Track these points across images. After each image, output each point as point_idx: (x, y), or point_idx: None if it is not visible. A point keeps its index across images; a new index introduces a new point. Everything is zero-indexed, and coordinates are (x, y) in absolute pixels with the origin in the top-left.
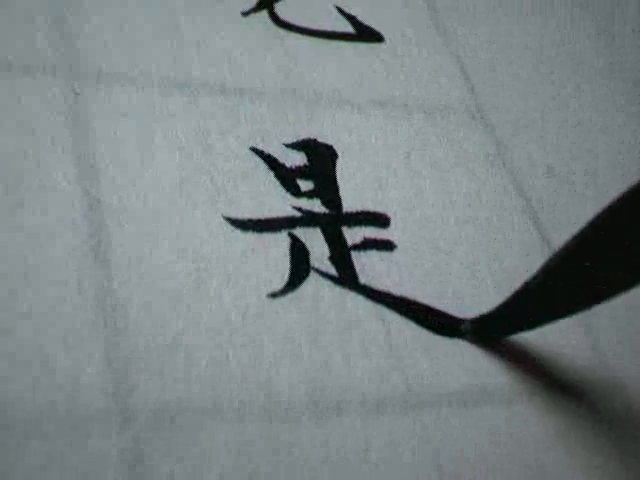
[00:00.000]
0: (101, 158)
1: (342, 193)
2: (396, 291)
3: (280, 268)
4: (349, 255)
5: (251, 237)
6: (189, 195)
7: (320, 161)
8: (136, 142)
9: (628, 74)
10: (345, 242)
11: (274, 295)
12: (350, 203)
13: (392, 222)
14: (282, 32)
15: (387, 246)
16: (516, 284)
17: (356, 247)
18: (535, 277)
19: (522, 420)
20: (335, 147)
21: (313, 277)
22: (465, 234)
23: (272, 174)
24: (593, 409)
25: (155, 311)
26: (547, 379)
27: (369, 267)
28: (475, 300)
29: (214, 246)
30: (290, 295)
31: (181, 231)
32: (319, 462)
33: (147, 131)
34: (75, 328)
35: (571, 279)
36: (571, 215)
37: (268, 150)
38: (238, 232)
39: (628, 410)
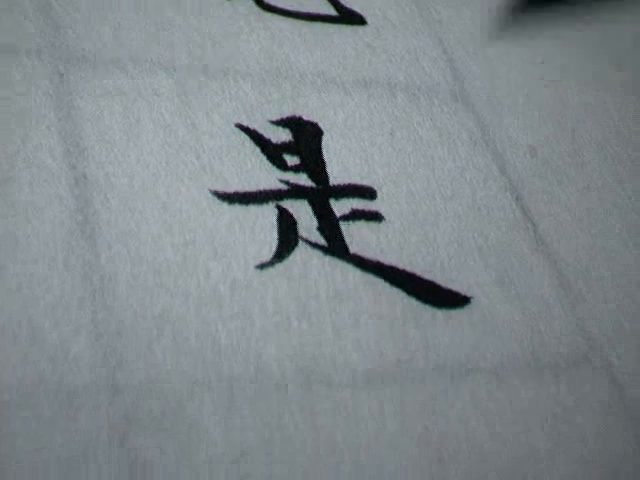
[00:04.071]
0: (87, 136)
1: (329, 168)
2: (385, 261)
3: (268, 239)
4: (338, 226)
5: (238, 210)
6: (175, 171)
7: (305, 137)
8: (121, 121)
9: (613, 54)
10: (333, 213)
11: (262, 266)
12: (337, 177)
13: (379, 195)
14: (266, 15)
15: (375, 217)
16: (500, 258)
17: (344, 218)
18: None
19: (511, 393)
20: (320, 125)
21: (302, 247)
22: (450, 209)
23: (258, 150)
24: (573, 386)
25: (142, 285)
26: (535, 355)
27: (358, 237)
28: (462, 272)
29: (201, 220)
30: (279, 265)
31: (167, 205)
32: (307, 431)
33: (132, 110)
34: (63, 303)
35: None
36: (552, 193)
37: (254, 127)
38: (224, 205)
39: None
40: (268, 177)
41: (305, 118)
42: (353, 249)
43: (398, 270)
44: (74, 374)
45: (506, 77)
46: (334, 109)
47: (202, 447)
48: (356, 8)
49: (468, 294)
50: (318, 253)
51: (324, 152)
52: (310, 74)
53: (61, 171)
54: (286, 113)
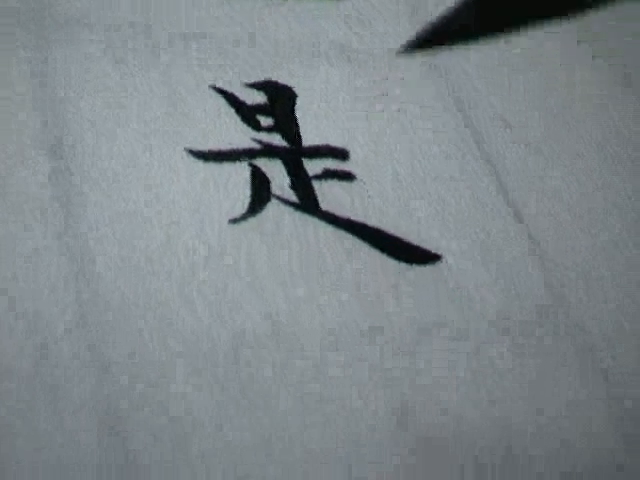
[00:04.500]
0: (67, 102)
1: (302, 130)
2: (356, 218)
3: (241, 196)
4: (310, 184)
5: (212, 167)
6: (151, 130)
7: (280, 100)
8: (101, 87)
9: (593, 30)
10: (306, 172)
11: (235, 220)
12: (310, 138)
13: (352, 156)
14: None
15: (347, 177)
16: (472, 219)
17: (317, 177)
18: None
19: (477, 347)
20: (295, 89)
21: (274, 204)
22: (423, 172)
23: (233, 111)
24: (539, 341)
25: (115, 236)
26: (502, 312)
27: (330, 195)
28: (433, 232)
29: (175, 176)
30: (251, 220)
31: (143, 163)
32: (279, 387)
33: (110, 75)
34: (49, 282)
35: None
36: (526, 164)
37: (229, 89)
38: (199, 163)
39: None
40: (242, 137)
41: (280, 82)
42: (325, 206)
43: (369, 227)
44: (60, 352)
45: (481, 51)
46: (309, 75)
47: (181, 411)
48: None
49: (438, 252)
50: (290, 210)
51: (298, 115)
52: (287, 41)
53: (42, 140)
54: (261, 77)
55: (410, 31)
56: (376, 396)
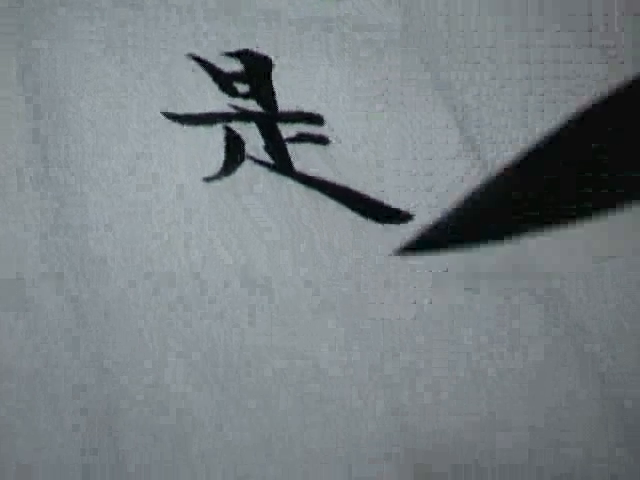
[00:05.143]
0: (45, 68)
1: (278, 97)
2: (329, 179)
3: (216, 157)
4: (284, 146)
5: (187, 130)
6: (129, 93)
7: (256, 68)
8: (79, 51)
9: None
10: (280, 135)
11: (209, 179)
12: (285, 105)
13: (326, 122)
14: None
15: (322, 140)
16: (443, 180)
17: (291, 140)
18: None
19: (447, 297)
20: (272, 57)
21: (248, 164)
22: (395, 136)
23: (209, 78)
24: (505, 291)
25: (90, 190)
26: (471, 265)
27: (304, 157)
28: (404, 193)
29: (150, 137)
30: (225, 179)
31: (120, 123)
32: (247, 328)
33: (90, 41)
34: (28, 232)
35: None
36: (500, 122)
37: (205, 57)
38: (174, 125)
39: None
40: (218, 102)
41: (256, 51)
42: (298, 167)
43: (341, 187)
44: (37, 299)
45: (453, 16)
46: (285, 43)
47: (157, 345)
48: None
49: (410, 212)
50: (263, 170)
51: (274, 83)
52: (264, 11)
53: (20, 99)
54: (238, 47)
55: (388, 2)
56: (346, 342)
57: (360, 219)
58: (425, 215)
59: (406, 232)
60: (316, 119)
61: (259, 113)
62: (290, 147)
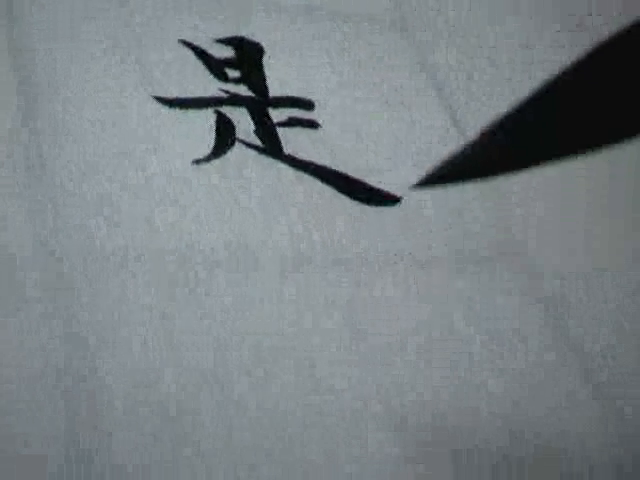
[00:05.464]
0: (32, 50)
1: (269, 83)
2: (318, 162)
3: (206, 141)
4: (274, 130)
5: (177, 113)
6: (118, 79)
7: (247, 54)
8: (67, 32)
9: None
10: (271, 119)
11: (198, 161)
12: (276, 90)
13: (316, 107)
14: None
15: (311, 125)
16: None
17: (281, 124)
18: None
19: (433, 281)
20: (263, 45)
21: (238, 147)
22: (385, 121)
23: (200, 63)
24: (492, 276)
25: (80, 170)
26: (458, 250)
27: (294, 141)
28: (394, 175)
29: (140, 120)
30: (215, 162)
31: (109, 108)
32: (232, 307)
33: (77, 23)
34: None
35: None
36: (482, 102)
37: (197, 43)
38: (164, 109)
39: None
40: (208, 87)
41: (248, 38)
42: (288, 150)
43: (330, 170)
44: (12, 248)
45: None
46: (276, 31)
47: (135, 309)
48: None
49: (398, 194)
50: (253, 153)
51: (265, 69)
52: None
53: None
54: (229, 33)
55: None
56: (334, 328)
57: (348, 201)
58: (414, 198)
59: (395, 215)
60: (306, 104)
61: (250, 98)
62: (280, 131)
